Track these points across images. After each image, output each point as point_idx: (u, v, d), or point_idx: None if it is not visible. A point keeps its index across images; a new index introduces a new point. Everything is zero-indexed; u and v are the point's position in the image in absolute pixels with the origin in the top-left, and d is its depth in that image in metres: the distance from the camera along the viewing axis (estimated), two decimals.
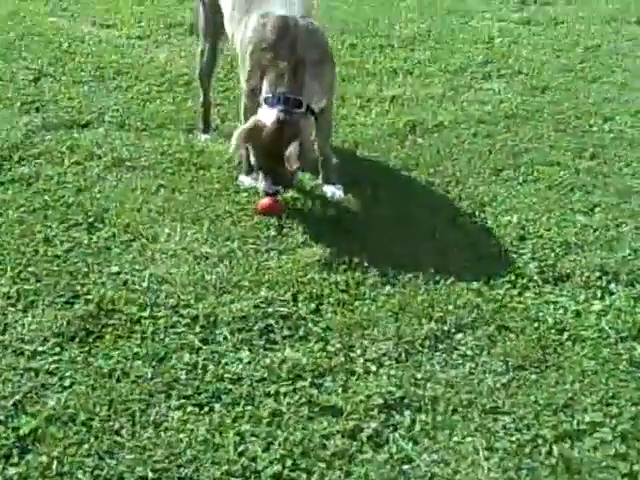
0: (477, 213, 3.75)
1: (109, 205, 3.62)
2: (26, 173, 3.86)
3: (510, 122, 4.62)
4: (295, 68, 3.60)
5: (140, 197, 3.71)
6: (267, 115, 3.55)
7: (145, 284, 3.13)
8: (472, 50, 5.67)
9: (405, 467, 2.44)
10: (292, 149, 3.44)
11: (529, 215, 3.71)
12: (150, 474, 2.35)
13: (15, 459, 2.38)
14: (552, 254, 3.45)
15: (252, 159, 3.66)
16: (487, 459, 2.46)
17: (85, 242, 3.38)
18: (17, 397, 2.59)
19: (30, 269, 3.19)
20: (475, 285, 3.24)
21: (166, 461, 2.40)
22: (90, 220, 3.53)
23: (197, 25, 4.33)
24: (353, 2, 6.63)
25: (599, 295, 3.24)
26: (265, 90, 3.62)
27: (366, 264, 3.31)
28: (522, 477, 2.42)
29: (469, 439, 2.54)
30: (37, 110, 4.49)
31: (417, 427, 2.58)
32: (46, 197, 3.66)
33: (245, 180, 3.86)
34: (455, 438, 2.54)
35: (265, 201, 3.62)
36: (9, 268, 3.18)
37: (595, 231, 3.62)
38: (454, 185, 3.96)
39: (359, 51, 5.54)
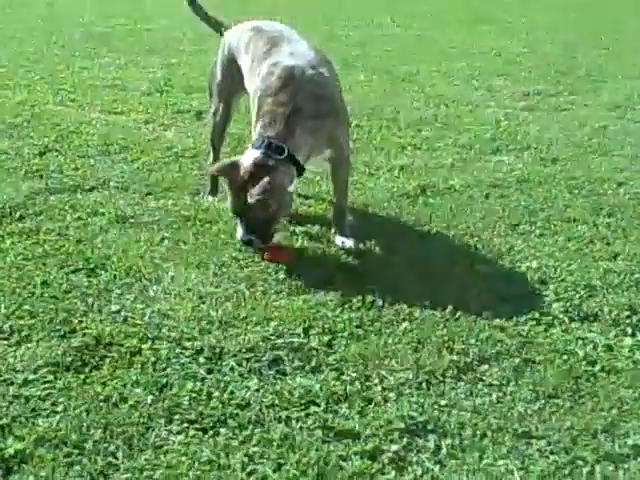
0: (495, 260, 3.59)
1: (110, 253, 3.48)
2: (26, 227, 3.72)
3: (522, 186, 4.53)
4: (289, 116, 3.51)
5: (143, 246, 3.56)
6: (247, 156, 3.47)
7: (146, 319, 2.95)
8: (479, 130, 5.65)
9: None
10: (260, 184, 3.35)
11: (549, 262, 3.55)
12: None
13: None
14: (576, 295, 3.27)
15: (227, 203, 3.58)
16: None
17: (85, 285, 3.21)
18: (4, 421, 2.37)
19: (25, 307, 3.00)
20: (497, 322, 3.05)
21: None
22: (90, 266, 3.36)
23: (212, 85, 4.31)
24: (357, 91, 6.71)
25: (630, 332, 3.04)
26: (256, 132, 3.56)
27: (381, 303, 3.13)
28: None
29: (501, 462, 2.31)
30: (41, 177, 4.41)
31: (443, 451, 2.35)
32: (46, 246, 3.52)
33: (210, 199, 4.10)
34: (486, 461, 2.31)
35: (269, 254, 3.48)
36: (3, 307, 2.99)
37: (619, 275, 3.46)
38: (469, 237, 3.81)
39: (366, 130, 5.52)
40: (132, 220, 3.89)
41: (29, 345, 2.77)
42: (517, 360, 2.82)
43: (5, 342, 2.79)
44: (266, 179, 3.37)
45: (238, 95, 4.15)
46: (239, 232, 3.50)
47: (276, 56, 3.74)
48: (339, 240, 3.69)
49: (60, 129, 5.32)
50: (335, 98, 3.78)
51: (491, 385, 2.68)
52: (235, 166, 3.47)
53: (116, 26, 9.90)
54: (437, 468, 2.27)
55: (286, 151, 3.45)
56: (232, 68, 4.08)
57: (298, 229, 3.82)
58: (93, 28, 9.64)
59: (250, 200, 3.38)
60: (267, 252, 3.48)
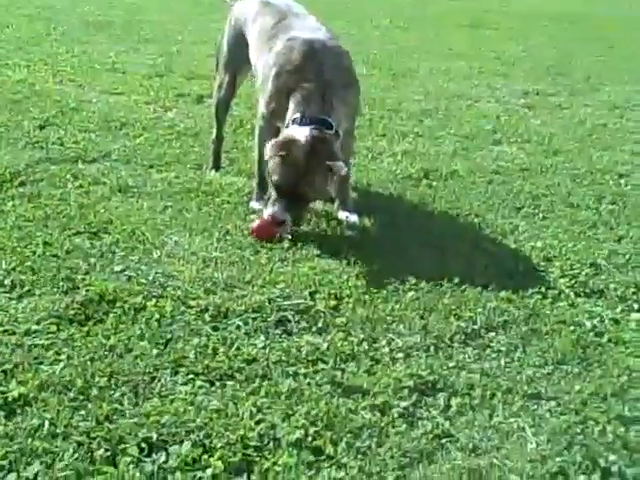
0: (499, 239, 3.57)
1: (113, 218, 3.43)
2: (27, 191, 3.68)
3: (525, 174, 4.52)
4: (323, 91, 3.50)
5: (146, 213, 3.52)
6: (299, 132, 3.41)
7: (150, 278, 2.91)
8: (480, 122, 5.65)
9: (443, 441, 2.16)
10: (338, 164, 3.36)
11: (553, 242, 3.54)
12: (155, 436, 2.07)
13: (1, 420, 2.10)
14: (582, 273, 3.25)
15: (271, 178, 3.45)
16: (535, 435, 2.19)
17: (87, 247, 3.16)
18: (6, 366, 2.33)
19: (27, 264, 2.95)
20: (504, 294, 3.02)
21: (173, 426, 2.12)
22: (93, 230, 3.32)
23: (218, 58, 4.29)
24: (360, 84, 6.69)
25: (637, 308, 3.02)
26: (292, 110, 3.50)
27: (386, 273, 3.11)
28: (574, 452, 2.14)
29: (512, 419, 2.28)
30: (41, 148, 4.36)
31: (453, 408, 2.32)
32: (47, 210, 3.47)
33: (256, 206, 3.68)
34: (496, 419, 2.28)
35: (255, 222, 3.39)
36: (4, 263, 2.95)
37: (624, 256, 3.44)
38: (473, 217, 3.80)
39: (368, 118, 5.49)
40: (134, 190, 3.85)
41: (31, 299, 2.73)
42: (524, 329, 2.79)
43: (7, 295, 2.75)
44: (337, 163, 3.36)
45: (244, 68, 4.11)
46: (274, 209, 3.36)
47: (290, 30, 3.73)
48: (343, 214, 3.67)
49: (60, 105, 5.28)
50: (353, 68, 3.82)
51: (499, 351, 2.65)
52: (290, 142, 3.38)
53: (115, 17, 9.87)
54: (447, 424, 2.23)
55: (334, 126, 3.46)
56: (239, 41, 4.06)
57: None
58: (92, 17, 9.59)
59: (313, 175, 3.33)
60: (258, 225, 3.38)
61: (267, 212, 3.39)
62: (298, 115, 3.47)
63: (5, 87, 5.66)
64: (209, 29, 8.99)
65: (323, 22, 3.98)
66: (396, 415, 2.25)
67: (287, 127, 3.51)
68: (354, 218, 3.64)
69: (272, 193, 3.44)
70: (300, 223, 3.47)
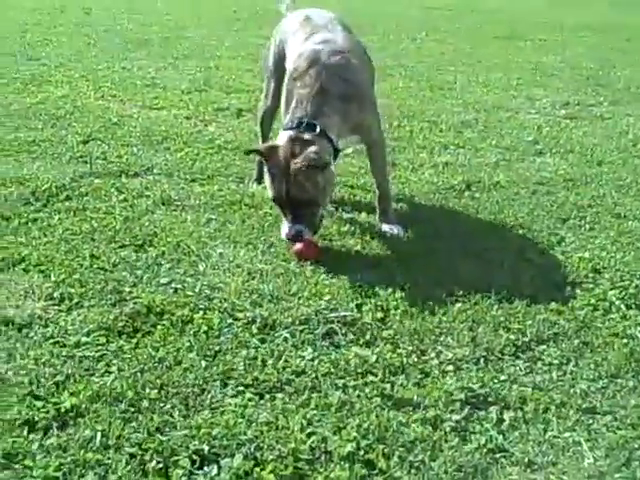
0: (546, 251, 3.53)
1: (157, 231, 3.45)
2: (73, 205, 3.72)
3: (569, 185, 4.46)
4: (315, 96, 3.46)
5: (190, 226, 3.54)
6: (281, 137, 3.41)
7: (197, 290, 2.91)
8: (521, 133, 5.61)
9: (497, 455, 2.13)
10: (303, 155, 3.27)
11: (602, 254, 3.48)
12: (206, 448, 2.06)
13: (54, 431, 2.11)
14: (633, 284, 3.19)
15: (269, 193, 3.38)
16: (591, 450, 2.15)
17: (133, 259, 3.18)
18: (58, 378, 2.34)
19: (75, 277, 2.98)
20: (553, 305, 2.98)
21: (224, 439, 2.11)
22: (138, 242, 3.34)
23: (264, 68, 4.32)
24: (397, 97, 6.70)
25: None
26: (285, 117, 3.54)
27: (432, 285, 3.08)
28: (634, 469, 2.09)
29: (567, 434, 2.24)
30: (85, 162, 4.41)
31: (506, 422, 2.28)
32: (93, 223, 3.50)
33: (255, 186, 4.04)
34: (550, 433, 2.24)
35: (298, 245, 3.30)
36: (52, 275, 2.98)
37: None
38: (518, 228, 3.76)
39: (407, 130, 5.49)
40: (177, 203, 3.87)
41: (80, 311, 2.75)
42: (576, 342, 2.75)
43: (56, 307, 2.77)
44: (309, 149, 3.28)
45: None
46: (285, 227, 3.32)
47: (310, 42, 3.74)
48: (386, 227, 3.65)
49: (102, 121, 5.33)
50: (361, 83, 3.72)
51: (550, 364, 2.61)
52: (273, 148, 3.38)
53: (152, 34, 9.96)
54: (500, 438, 2.20)
55: (318, 128, 3.39)
56: (281, 54, 4.08)
57: (345, 215, 3.79)
58: (130, 34, 9.69)
59: (296, 175, 3.25)
60: (297, 245, 3.29)
61: (282, 233, 3.34)
62: (287, 120, 3.47)
63: (48, 103, 5.73)
64: (246, 44, 9.07)
65: (355, 37, 3.98)
66: (448, 429, 2.23)
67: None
68: (397, 230, 3.62)
69: (279, 211, 3.41)
70: (316, 230, 3.37)
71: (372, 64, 4.04)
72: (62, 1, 12.19)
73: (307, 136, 3.36)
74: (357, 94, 3.63)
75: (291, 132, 3.38)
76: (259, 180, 4.18)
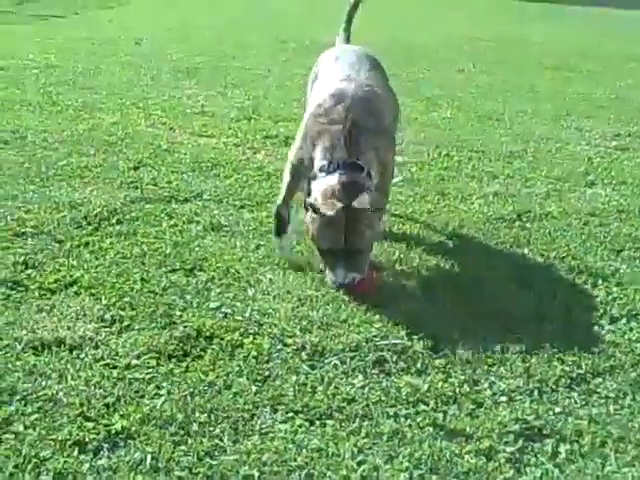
0: (600, 282, 3.45)
1: (207, 256, 3.46)
2: (124, 230, 3.75)
3: (622, 216, 4.39)
4: (350, 132, 3.27)
5: (239, 252, 3.54)
6: (329, 181, 3.16)
7: (247, 315, 2.91)
8: (572, 164, 5.54)
9: None
10: (365, 197, 3.10)
11: None
12: (257, 474, 2.04)
13: (105, 452, 2.11)
14: None
15: (318, 246, 3.21)
16: None
17: (183, 283, 3.19)
18: (109, 399, 2.34)
19: (126, 300, 3.00)
20: (609, 338, 2.93)
21: (274, 465, 2.08)
22: (188, 267, 3.35)
23: (305, 101, 4.33)
24: (445, 126, 6.69)
25: None
26: (319, 158, 3.28)
27: (485, 314, 3.04)
28: None
29: (626, 469, 2.18)
30: (136, 188, 4.46)
31: (562, 455, 2.23)
32: (144, 247, 3.52)
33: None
34: (609, 468, 2.18)
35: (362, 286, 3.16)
36: (104, 298, 3.00)
37: None
38: (570, 259, 3.70)
39: (456, 160, 5.46)
40: (227, 229, 3.88)
41: (130, 333, 2.76)
42: (633, 375, 2.69)
43: (107, 329, 2.78)
44: (366, 194, 3.13)
45: None
46: (338, 275, 3.10)
47: (333, 79, 3.64)
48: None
49: (153, 147, 5.39)
50: (387, 117, 3.57)
51: (607, 397, 2.55)
52: (325, 195, 3.13)
53: (201, 63, 10.10)
54: (557, 471, 2.15)
55: (365, 169, 3.24)
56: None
57: (396, 245, 3.75)
58: (180, 64, 9.83)
59: (356, 222, 3.09)
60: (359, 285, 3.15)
61: (332, 280, 3.15)
62: (325, 162, 3.25)
63: (100, 130, 5.81)
64: (293, 75, 9.13)
65: (380, 75, 3.93)
66: (503, 460, 2.18)
67: (314, 178, 3.27)
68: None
69: (326, 260, 3.20)
70: (366, 270, 3.19)
71: (397, 101, 3.90)
72: (115, 32, 12.45)
73: (359, 180, 3.18)
74: (383, 129, 3.48)
75: (339, 175, 3.17)
76: (278, 233, 3.59)
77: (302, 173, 3.48)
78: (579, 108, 8.02)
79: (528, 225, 4.18)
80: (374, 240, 3.31)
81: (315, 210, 3.16)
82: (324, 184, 3.20)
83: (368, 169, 3.27)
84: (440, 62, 11.31)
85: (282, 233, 3.53)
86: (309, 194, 3.28)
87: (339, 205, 3.11)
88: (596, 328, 3.01)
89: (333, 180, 3.19)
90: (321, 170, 3.27)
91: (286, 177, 3.62)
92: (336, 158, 3.25)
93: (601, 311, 3.17)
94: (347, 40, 4.48)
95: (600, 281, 3.48)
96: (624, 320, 3.10)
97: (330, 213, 3.12)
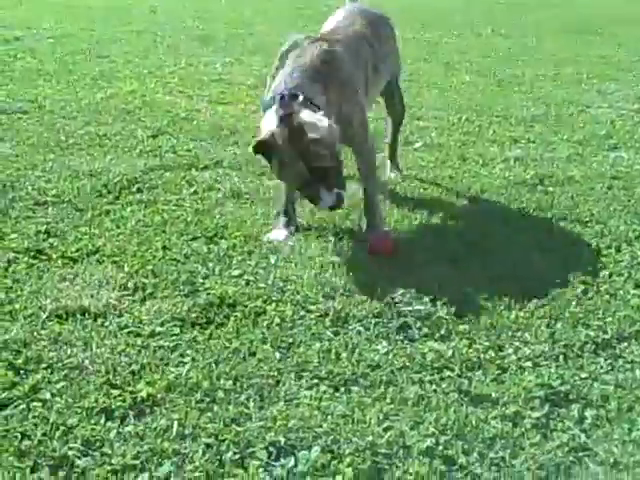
0: (624, 246, 3.42)
1: (228, 223, 3.45)
2: (144, 198, 3.75)
3: None
4: (292, 72, 3.23)
5: (260, 219, 3.53)
6: (268, 119, 3.12)
7: (269, 282, 2.90)
8: (593, 128, 5.47)
9: (581, 454, 2.06)
10: (302, 122, 3.01)
11: None
12: (283, 440, 2.04)
13: (131, 420, 2.12)
14: None
15: (285, 188, 3.36)
16: None
17: (205, 251, 3.18)
18: (134, 367, 2.34)
19: (148, 267, 2.99)
20: (634, 302, 2.90)
21: (300, 431, 2.09)
22: (209, 235, 3.35)
23: None
24: (465, 91, 6.61)
25: None
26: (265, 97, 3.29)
27: (509, 279, 3.01)
28: None
29: None
30: (155, 156, 4.44)
31: (588, 420, 2.21)
32: (164, 215, 3.52)
33: (277, 236, 3.35)
34: (636, 432, 2.16)
35: (372, 243, 3.25)
36: (126, 266, 3.00)
37: None
38: (594, 224, 3.65)
39: (477, 125, 5.41)
40: (247, 196, 3.86)
41: (154, 301, 2.76)
42: None
43: (130, 297, 2.78)
44: (303, 119, 3.02)
45: None
46: (324, 198, 3.05)
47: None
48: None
49: (171, 115, 5.37)
50: (344, 72, 3.44)
51: (633, 362, 2.53)
52: (269, 138, 3.04)
53: (218, 30, 10.03)
54: (583, 436, 2.13)
55: (301, 96, 3.12)
56: None
57: (418, 211, 3.71)
58: (196, 31, 9.78)
59: (307, 150, 2.99)
60: (371, 243, 3.26)
61: (323, 204, 3.09)
62: (267, 99, 3.24)
63: (118, 98, 5.80)
64: None
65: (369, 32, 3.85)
66: (529, 426, 2.17)
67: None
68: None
69: (307, 194, 3.14)
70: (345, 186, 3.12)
71: (382, 57, 3.86)
72: (129, 1, 12.38)
73: (295, 107, 3.07)
74: (338, 79, 3.36)
75: (275, 109, 3.10)
76: (289, 222, 3.47)
77: None
78: (600, 71, 7.90)
79: (550, 189, 4.14)
80: (338, 152, 3.14)
81: (260, 149, 3.08)
82: (268, 121, 3.12)
83: (308, 97, 3.15)
84: (458, 26, 11.18)
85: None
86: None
87: (282, 141, 3.00)
88: (621, 292, 2.97)
89: (271, 117, 3.12)
90: (264, 106, 3.24)
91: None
92: (276, 93, 3.18)
93: (626, 275, 3.13)
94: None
95: (624, 245, 3.44)
96: None
97: (264, 137, 3.04)
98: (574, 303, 2.86)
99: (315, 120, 3.08)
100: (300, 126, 3.02)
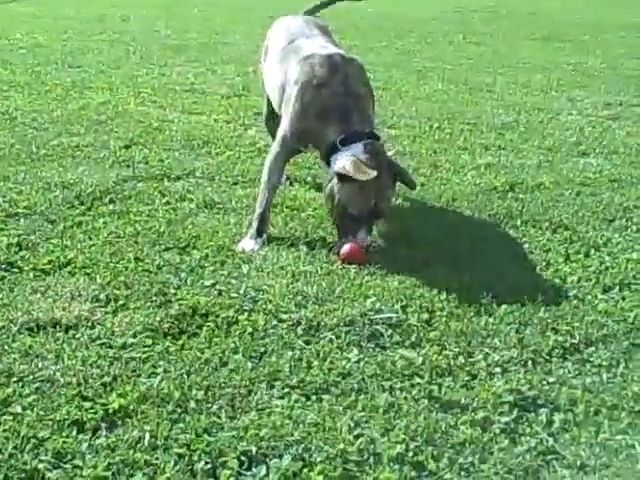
0: (592, 252, 3.47)
1: (201, 234, 3.46)
2: (117, 209, 3.75)
3: (614, 185, 4.40)
4: (356, 104, 3.47)
5: (233, 229, 3.54)
6: (354, 152, 3.30)
7: (241, 292, 2.92)
8: (563, 134, 5.55)
9: (548, 457, 2.10)
10: (388, 163, 3.40)
11: None
12: (254, 449, 2.06)
13: (103, 432, 2.12)
14: None
15: (344, 211, 3.31)
16: None
17: (177, 261, 3.19)
18: (106, 379, 2.34)
19: (120, 279, 2.99)
20: (601, 307, 2.94)
21: (272, 440, 2.10)
22: (182, 245, 3.35)
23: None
24: (437, 99, 6.67)
25: None
26: (333, 130, 3.40)
27: (479, 286, 3.05)
28: None
29: (620, 436, 2.20)
30: (128, 166, 4.44)
31: (556, 424, 2.25)
32: (137, 226, 3.52)
33: (249, 246, 3.34)
34: (602, 435, 2.20)
35: (346, 248, 3.25)
36: (98, 277, 3.00)
37: None
38: (563, 230, 3.70)
39: (448, 132, 5.46)
40: (220, 206, 3.87)
41: (126, 312, 2.76)
42: (625, 343, 2.71)
43: (102, 309, 2.78)
44: (389, 161, 3.41)
45: None
46: (361, 236, 3.26)
47: (301, 50, 3.72)
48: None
49: (143, 126, 5.37)
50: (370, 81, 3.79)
51: (600, 366, 2.57)
52: (356, 164, 3.25)
53: (190, 40, 10.03)
54: (551, 440, 2.16)
55: (381, 138, 3.49)
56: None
57: (389, 218, 3.74)
58: (169, 41, 9.78)
59: (385, 189, 3.34)
60: (347, 249, 3.25)
61: (352, 242, 3.26)
62: (343, 136, 3.37)
63: (90, 109, 5.79)
64: None
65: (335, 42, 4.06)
66: (498, 431, 2.20)
67: (333, 151, 3.37)
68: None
69: (349, 225, 3.31)
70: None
71: None
72: (101, 10, 12.35)
73: (380, 147, 3.44)
74: (371, 92, 3.68)
75: (363, 145, 3.33)
76: (260, 233, 3.43)
77: (293, 147, 3.65)
78: (570, 78, 8.01)
79: (521, 196, 4.19)
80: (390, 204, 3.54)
81: (346, 178, 3.28)
82: (349, 155, 3.29)
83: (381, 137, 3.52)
84: (430, 34, 11.28)
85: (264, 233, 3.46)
86: (328, 164, 3.42)
87: (373, 173, 3.24)
88: (589, 297, 3.02)
89: (358, 150, 3.32)
90: (342, 142, 3.36)
91: (275, 152, 3.64)
92: (353, 130, 3.39)
93: (594, 280, 3.19)
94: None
95: (593, 251, 3.50)
96: (617, 289, 3.11)
97: (365, 178, 3.25)
98: (543, 309, 2.90)
99: (402, 170, 3.51)
100: (390, 166, 3.40)
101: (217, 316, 2.75)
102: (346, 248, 3.27)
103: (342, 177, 3.29)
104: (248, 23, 11.91)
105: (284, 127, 3.60)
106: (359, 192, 3.29)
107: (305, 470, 2.01)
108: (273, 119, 4.15)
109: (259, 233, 3.42)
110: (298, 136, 3.55)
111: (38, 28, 10.10)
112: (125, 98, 6.29)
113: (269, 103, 4.17)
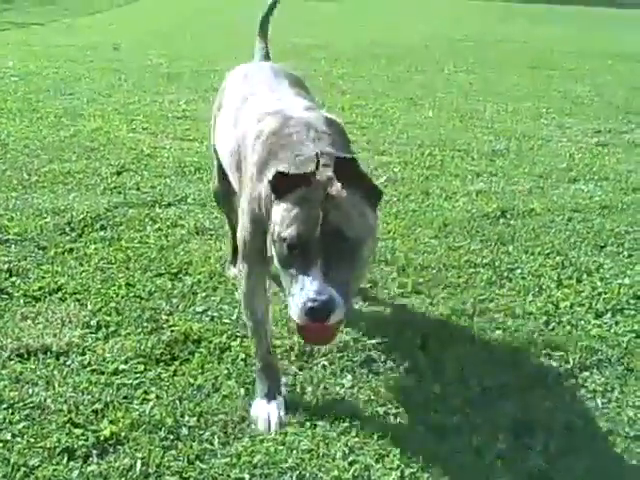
0: (584, 277, 3.47)
1: (192, 260, 3.45)
2: (108, 235, 3.73)
3: (605, 212, 4.41)
4: (321, 135, 2.30)
5: (225, 255, 3.54)
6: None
7: (234, 318, 2.90)
8: (554, 161, 5.57)
9: None
10: (344, 173, 2.07)
11: None
12: (247, 477, 2.03)
13: (94, 459, 2.09)
14: None
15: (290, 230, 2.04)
16: None
17: (169, 287, 3.18)
18: (97, 406, 2.32)
19: (112, 305, 2.98)
20: (595, 331, 2.94)
21: (265, 467, 2.08)
22: (174, 271, 3.34)
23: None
24: (428, 126, 6.69)
25: None
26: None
27: (471, 312, 3.04)
28: None
29: (616, 463, 2.18)
30: (119, 193, 4.43)
31: (552, 449, 2.23)
32: (128, 252, 3.51)
33: (261, 413, 2.32)
34: (600, 462, 2.18)
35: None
36: (89, 304, 2.98)
37: None
38: (555, 255, 3.71)
39: (439, 159, 5.48)
40: (211, 232, 3.86)
41: (117, 339, 2.74)
42: (620, 368, 2.70)
43: (93, 335, 2.76)
44: (353, 167, 2.07)
45: None
46: (309, 289, 1.94)
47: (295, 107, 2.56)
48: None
49: (135, 152, 5.37)
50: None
51: (595, 391, 2.56)
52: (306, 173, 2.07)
53: (182, 67, 10.07)
54: (547, 466, 2.15)
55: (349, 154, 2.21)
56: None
57: (381, 244, 3.76)
58: (161, 69, 9.80)
59: (339, 204, 2.03)
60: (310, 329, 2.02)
61: (301, 299, 1.95)
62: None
63: (81, 136, 5.78)
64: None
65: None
66: (494, 457, 2.18)
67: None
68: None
69: (292, 272, 2.02)
70: (353, 297, 2.14)
71: None
72: (94, 38, 12.40)
73: (344, 155, 2.11)
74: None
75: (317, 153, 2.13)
76: (272, 391, 2.41)
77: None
78: (559, 105, 8.05)
79: (512, 222, 4.19)
80: (372, 243, 2.13)
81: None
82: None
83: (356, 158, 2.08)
84: (422, 62, 11.34)
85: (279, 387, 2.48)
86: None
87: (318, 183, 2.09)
88: (582, 323, 3.02)
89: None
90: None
91: (245, 271, 2.53)
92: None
93: (587, 306, 3.18)
94: (266, 54, 3.80)
95: (585, 276, 3.50)
96: (609, 314, 3.11)
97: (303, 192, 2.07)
98: (536, 334, 2.90)
99: (373, 184, 2.18)
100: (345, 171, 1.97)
101: (209, 342, 2.73)
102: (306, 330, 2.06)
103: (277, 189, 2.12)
104: (238, 50, 11.98)
105: (242, 236, 2.45)
106: (297, 210, 2.06)
107: None
108: (228, 191, 3.12)
109: (270, 390, 2.41)
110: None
111: (30, 56, 10.12)
112: (117, 125, 6.29)
113: (220, 170, 3.14)
